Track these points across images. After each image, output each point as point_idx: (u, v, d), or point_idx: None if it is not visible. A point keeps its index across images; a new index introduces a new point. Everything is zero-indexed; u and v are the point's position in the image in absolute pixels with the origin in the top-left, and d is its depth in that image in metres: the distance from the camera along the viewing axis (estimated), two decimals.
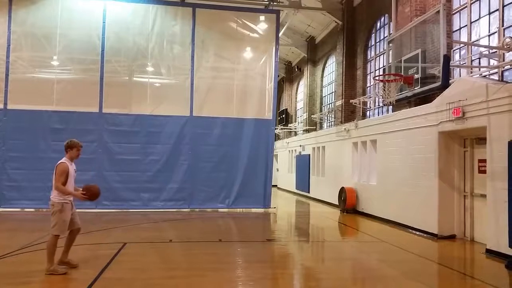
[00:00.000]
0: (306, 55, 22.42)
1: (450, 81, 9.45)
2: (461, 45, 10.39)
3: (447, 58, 9.03)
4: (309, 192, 19.76)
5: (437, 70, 9.53)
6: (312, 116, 21.45)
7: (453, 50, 10.60)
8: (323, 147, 18.05)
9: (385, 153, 12.27)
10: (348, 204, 14.04)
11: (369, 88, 15.63)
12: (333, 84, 18.96)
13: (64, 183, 6.11)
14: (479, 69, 9.84)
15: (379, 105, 14.86)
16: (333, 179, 16.36)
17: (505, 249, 7.44)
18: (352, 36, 16.59)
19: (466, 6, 10.30)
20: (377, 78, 12.06)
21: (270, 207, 14.45)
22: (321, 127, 20.62)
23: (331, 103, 19.52)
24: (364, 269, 7.16)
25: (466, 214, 9.51)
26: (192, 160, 14.06)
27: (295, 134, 24.61)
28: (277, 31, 15.09)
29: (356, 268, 7.33)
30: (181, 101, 14.18)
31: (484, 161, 8.54)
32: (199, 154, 14.11)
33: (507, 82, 8.14)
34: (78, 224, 6.41)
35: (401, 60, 11.08)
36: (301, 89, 24.76)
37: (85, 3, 13.83)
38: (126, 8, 14.04)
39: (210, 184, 14.14)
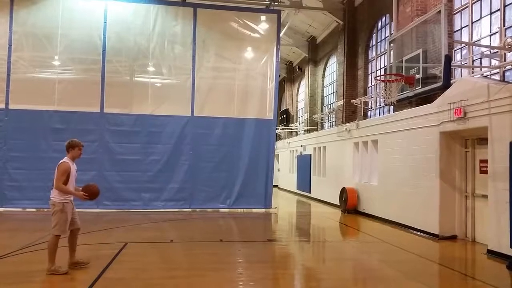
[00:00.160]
0: (307, 55, 22.41)
1: (451, 81, 9.42)
2: (463, 45, 10.37)
3: (449, 58, 9.01)
4: (310, 192, 19.75)
5: (439, 70, 9.51)
6: (313, 116, 21.45)
7: (455, 50, 10.58)
8: (324, 147, 18.04)
9: (386, 153, 12.25)
10: (349, 205, 14.03)
11: (370, 88, 15.62)
12: (334, 84, 18.95)
13: (65, 183, 6.11)
14: (481, 69, 9.82)
15: (380, 105, 14.84)
16: (334, 179, 16.35)
17: (506, 249, 7.43)
18: (353, 36, 16.58)
19: (467, 6, 10.28)
20: (378, 78, 12.04)
21: (271, 207, 14.44)
22: (322, 127, 20.61)
23: (332, 103, 19.51)
24: (365, 270, 7.16)
25: (467, 214, 9.49)
26: (193, 160, 14.06)
27: (296, 134, 24.60)
28: (278, 31, 15.09)
29: (357, 269, 7.33)
30: (182, 101, 14.18)
31: (486, 161, 8.52)
32: (200, 154, 14.11)
33: (508, 82, 8.13)
34: (78, 224, 6.41)
35: (402, 60, 11.07)
36: (302, 89, 24.74)
37: (86, 3, 13.84)
38: (127, 8, 14.05)
39: (211, 184, 14.14)
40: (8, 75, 13.20)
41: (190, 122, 14.11)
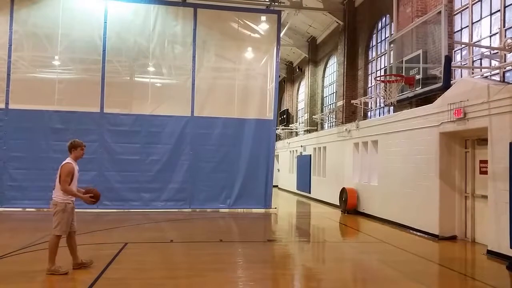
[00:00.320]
0: (307, 56, 22.41)
1: (451, 81, 9.44)
2: (463, 45, 10.37)
3: (449, 59, 9.02)
4: (310, 193, 19.75)
5: (439, 71, 9.52)
6: (313, 116, 21.45)
7: (455, 51, 10.59)
8: (324, 148, 18.05)
9: (386, 153, 12.26)
10: (349, 205, 14.04)
11: (370, 88, 15.62)
12: (334, 84, 18.95)
13: (69, 184, 6.13)
14: (481, 70, 9.83)
15: (380, 106, 14.84)
16: (334, 180, 16.36)
17: (506, 250, 7.43)
18: (354, 37, 16.58)
19: (467, 7, 10.28)
20: (378, 78, 12.04)
21: (271, 208, 14.46)
22: (322, 128, 20.61)
23: (332, 103, 19.51)
24: (365, 270, 7.16)
25: (467, 215, 9.50)
26: (193, 160, 14.07)
27: (296, 134, 24.60)
28: (278, 32, 15.10)
29: (356, 269, 7.33)
30: (182, 101, 14.19)
31: (486, 162, 8.53)
32: (200, 154, 14.12)
33: (508, 83, 8.13)
34: (74, 226, 6.38)
35: (402, 60, 11.08)
36: (302, 89, 24.75)
37: (87, 3, 13.85)
38: (127, 8, 14.06)
39: (211, 184, 14.15)
40: (8, 74, 13.21)
41: (190, 122, 14.12)
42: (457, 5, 10.75)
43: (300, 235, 11.12)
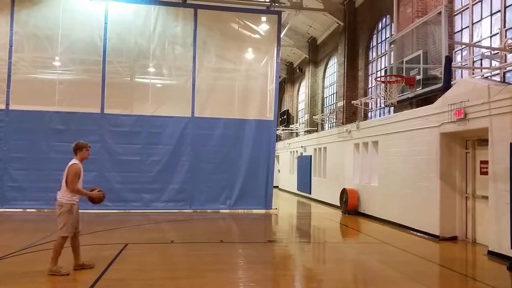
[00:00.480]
0: (307, 56, 22.42)
1: (451, 82, 9.43)
2: (463, 46, 10.37)
3: (449, 59, 9.02)
4: (310, 193, 19.75)
5: (439, 71, 9.52)
6: (313, 117, 21.45)
7: (455, 51, 10.59)
8: (325, 148, 18.04)
9: (386, 154, 12.25)
10: (349, 206, 14.03)
11: (370, 89, 15.62)
12: (335, 85, 18.96)
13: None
14: (481, 70, 9.83)
15: (380, 106, 14.85)
16: (334, 180, 16.35)
17: (507, 250, 7.42)
18: (354, 37, 16.59)
19: (468, 7, 10.28)
20: (378, 79, 12.05)
21: (271, 208, 14.45)
22: (322, 128, 20.61)
23: (333, 104, 19.52)
24: (366, 271, 7.16)
25: (467, 215, 9.49)
26: (193, 161, 14.07)
27: (297, 135, 24.60)
28: (279, 32, 15.10)
29: (357, 270, 7.33)
30: (183, 102, 14.19)
31: (486, 162, 8.52)
32: (201, 155, 14.12)
33: (509, 84, 8.13)
34: (79, 227, 6.41)
35: (402, 61, 11.07)
36: (303, 90, 24.75)
37: (87, 4, 13.85)
38: (127, 9, 14.07)
39: (212, 185, 14.14)
40: (9, 75, 13.22)
41: (191, 123, 14.12)
42: (457, 5, 10.75)
43: (300, 236, 11.12)
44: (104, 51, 13.69)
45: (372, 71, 15.65)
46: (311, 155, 19.74)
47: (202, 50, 14.42)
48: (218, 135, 14.27)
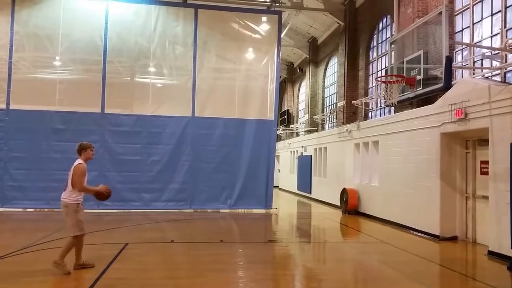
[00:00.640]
0: (308, 56, 22.42)
1: (452, 82, 9.43)
2: (464, 46, 10.37)
3: (450, 59, 9.02)
4: (310, 193, 19.75)
5: (439, 71, 9.52)
6: (314, 117, 21.45)
7: (456, 51, 10.59)
8: (325, 148, 18.04)
9: (387, 154, 12.25)
10: (349, 205, 14.03)
11: (371, 89, 15.62)
12: (335, 85, 18.96)
13: None
14: (482, 70, 9.83)
15: (381, 106, 14.85)
16: (335, 180, 16.35)
17: (507, 250, 7.42)
18: (354, 37, 16.59)
19: (468, 7, 10.28)
20: (379, 79, 12.04)
21: (271, 208, 14.45)
22: (323, 128, 20.61)
23: (333, 104, 19.52)
24: (366, 271, 7.15)
25: (468, 215, 9.49)
26: (193, 161, 14.07)
27: (297, 135, 24.60)
28: (279, 32, 15.10)
29: (357, 270, 7.33)
30: (183, 102, 14.20)
31: (487, 162, 8.52)
32: (201, 154, 14.12)
33: (509, 84, 8.13)
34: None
35: (403, 61, 11.07)
36: (303, 90, 24.76)
37: (88, 4, 13.86)
38: (128, 8, 14.07)
39: (212, 184, 14.14)
40: (9, 75, 13.23)
41: (191, 123, 14.13)
42: (458, 5, 10.75)
43: (300, 236, 11.12)
44: (105, 51, 13.70)
45: (372, 71, 15.65)
46: (311, 155, 19.74)
47: (202, 50, 14.42)
48: (219, 135, 14.27)
